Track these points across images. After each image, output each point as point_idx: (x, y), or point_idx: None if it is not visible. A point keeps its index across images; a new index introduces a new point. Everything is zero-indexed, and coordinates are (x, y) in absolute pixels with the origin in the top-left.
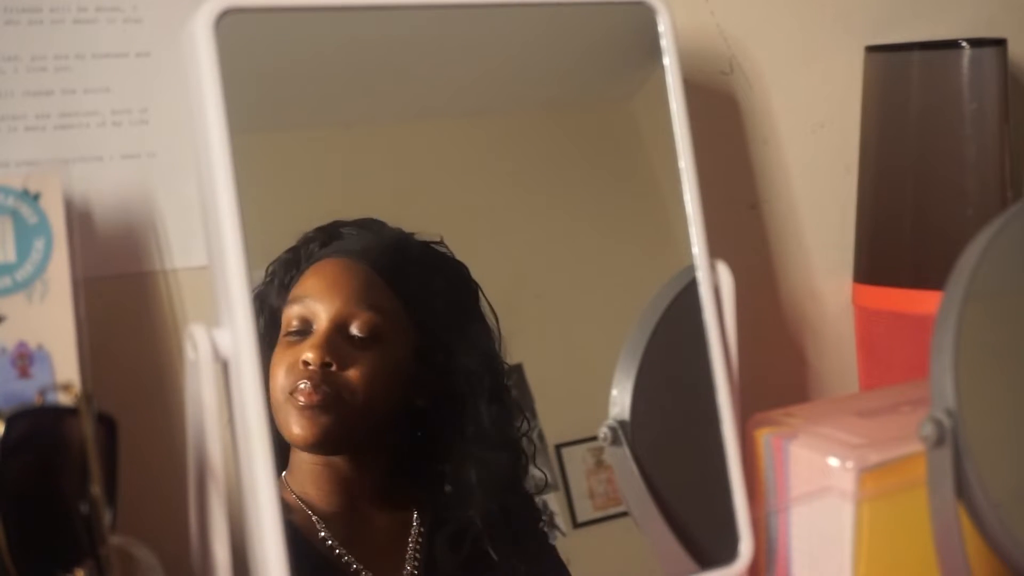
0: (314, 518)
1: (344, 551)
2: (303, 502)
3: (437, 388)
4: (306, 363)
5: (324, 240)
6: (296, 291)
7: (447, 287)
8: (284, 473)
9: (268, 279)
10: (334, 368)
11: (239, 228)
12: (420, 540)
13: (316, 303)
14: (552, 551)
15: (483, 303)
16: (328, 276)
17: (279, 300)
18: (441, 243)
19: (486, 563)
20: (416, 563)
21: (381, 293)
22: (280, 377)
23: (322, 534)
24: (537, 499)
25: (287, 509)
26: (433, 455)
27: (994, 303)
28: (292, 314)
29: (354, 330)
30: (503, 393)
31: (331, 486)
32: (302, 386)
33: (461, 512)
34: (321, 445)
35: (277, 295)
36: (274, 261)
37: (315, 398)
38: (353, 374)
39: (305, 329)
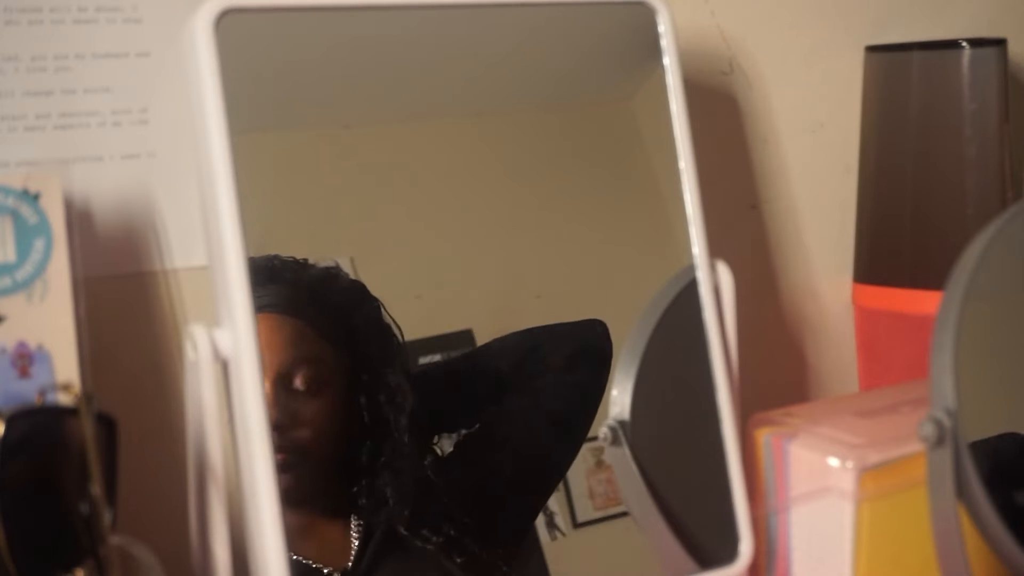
0: None
1: (292, 552)
2: None
3: (369, 413)
4: None
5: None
6: None
7: (357, 311)
8: None
9: None
10: (286, 427)
11: (239, 228)
12: (360, 531)
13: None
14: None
15: (385, 316)
16: (262, 335)
17: None
18: (336, 267)
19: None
20: (360, 553)
21: (313, 343)
22: None
23: None
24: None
25: None
26: (359, 470)
27: (994, 303)
28: None
29: (297, 384)
30: (415, 403)
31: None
32: None
33: (384, 519)
34: (286, 500)
35: None
36: None
37: (276, 457)
38: (305, 432)
39: None
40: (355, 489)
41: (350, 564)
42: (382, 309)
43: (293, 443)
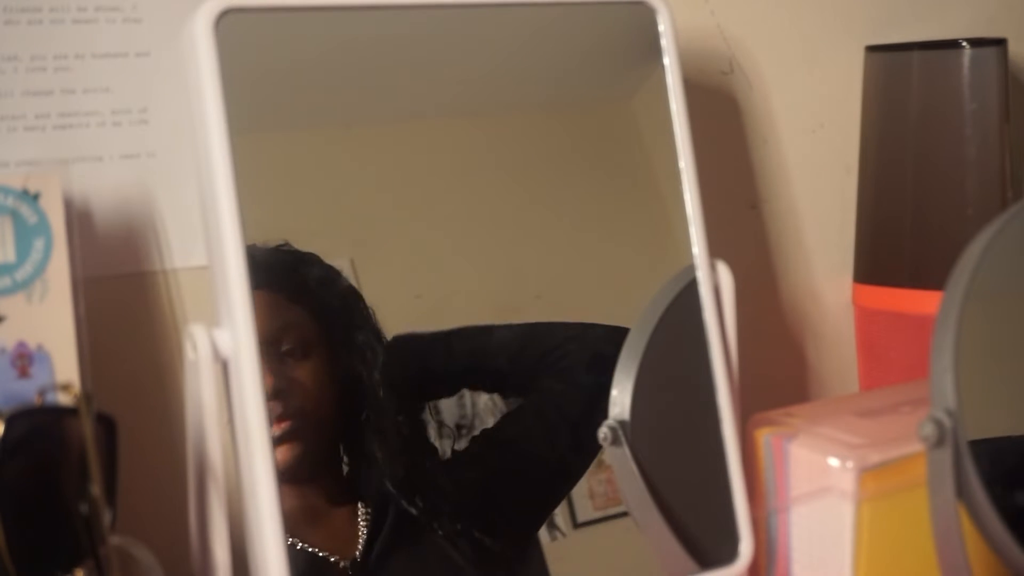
0: None
1: (299, 540)
2: None
3: (345, 375)
4: None
5: None
6: None
7: (314, 277)
8: None
9: None
10: (284, 393)
11: (239, 228)
12: (368, 520)
13: None
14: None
15: (344, 279)
16: None
17: None
18: (287, 243)
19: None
20: (369, 543)
21: (287, 310)
22: None
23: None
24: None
25: None
26: (349, 436)
27: (994, 303)
28: None
29: (285, 348)
30: (390, 362)
31: (287, 489)
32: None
33: (378, 486)
34: (296, 473)
35: None
36: None
37: (281, 426)
38: (302, 397)
39: None
40: (350, 454)
41: (358, 554)
42: (341, 274)
43: (294, 409)
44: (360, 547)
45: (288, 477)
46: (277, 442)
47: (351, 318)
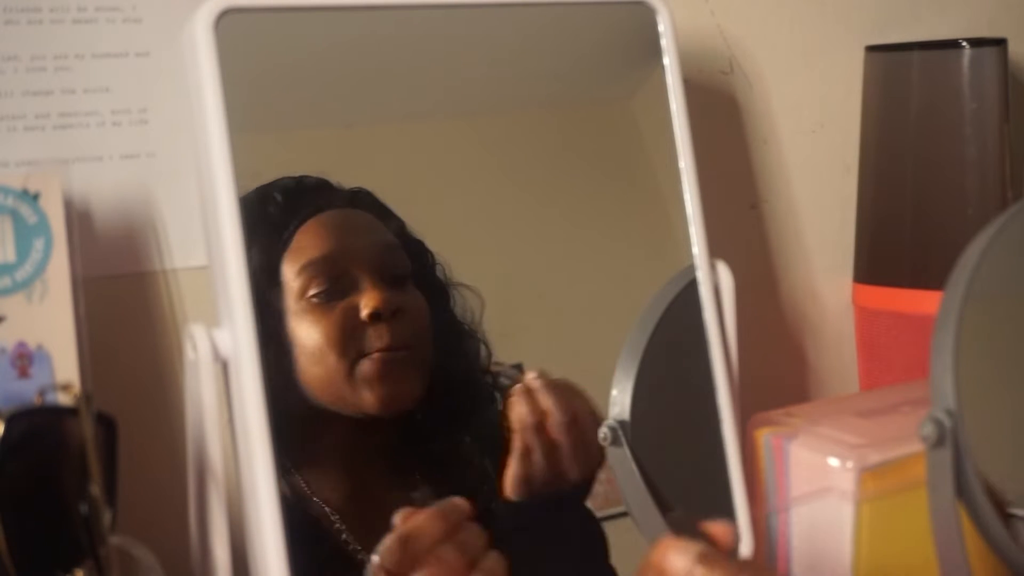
0: (327, 510)
1: (357, 544)
2: (316, 495)
3: (441, 316)
4: (376, 315)
5: (293, 198)
6: (307, 247)
7: (395, 218)
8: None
9: None
10: (399, 314)
11: (239, 228)
12: None
13: (346, 255)
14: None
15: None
16: (342, 226)
17: (271, 260)
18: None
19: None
20: None
21: (383, 231)
22: (328, 342)
23: (336, 526)
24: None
25: (304, 501)
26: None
27: (994, 303)
28: (314, 272)
29: (396, 270)
30: (455, 314)
31: (342, 474)
32: (378, 343)
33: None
34: (407, 401)
35: (265, 256)
36: None
37: (398, 354)
38: (412, 317)
39: (339, 286)
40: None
41: None
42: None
43: (407, 331)
44: None
45: (396, 407)
46: (390, 366)
47: (427, 264)
